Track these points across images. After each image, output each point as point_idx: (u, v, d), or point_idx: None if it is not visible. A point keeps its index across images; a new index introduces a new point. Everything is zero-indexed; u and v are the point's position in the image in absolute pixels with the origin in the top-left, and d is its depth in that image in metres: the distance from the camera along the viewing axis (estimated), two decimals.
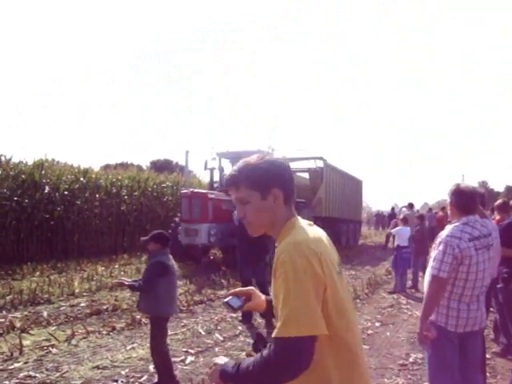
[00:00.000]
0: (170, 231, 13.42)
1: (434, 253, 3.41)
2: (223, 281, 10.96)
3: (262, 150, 14.11)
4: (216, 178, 16.42)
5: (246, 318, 7.80)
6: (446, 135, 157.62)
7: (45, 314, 7.55)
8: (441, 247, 3.35)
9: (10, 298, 8.68)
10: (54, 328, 6.83)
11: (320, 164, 20.27)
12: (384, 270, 14.47)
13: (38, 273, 11.71)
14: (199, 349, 6.25)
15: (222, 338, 6.79)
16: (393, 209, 28.62)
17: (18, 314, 7.65)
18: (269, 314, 7.01)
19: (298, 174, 21.50)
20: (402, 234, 11.06)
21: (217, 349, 6.31)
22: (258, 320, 7.88)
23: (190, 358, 5.86)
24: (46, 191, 14.80)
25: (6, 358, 5.66)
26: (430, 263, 3.43)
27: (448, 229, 3.44)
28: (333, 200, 20.67)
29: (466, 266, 3.30)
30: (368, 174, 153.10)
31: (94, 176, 17.61)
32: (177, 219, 14.47)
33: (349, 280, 12.61)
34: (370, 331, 7.45)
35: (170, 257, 4.97)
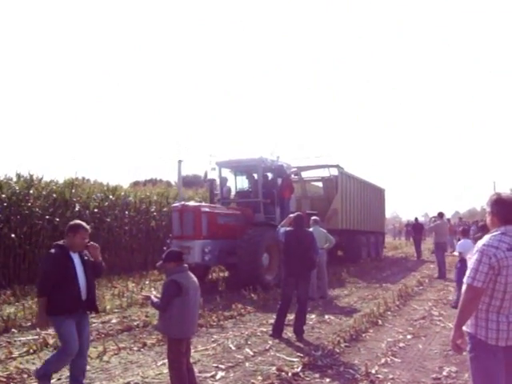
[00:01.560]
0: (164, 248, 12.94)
1: (470, 262, 3.36)
2: (253, 295, 10.92)
3: (263, 158, 13.90)
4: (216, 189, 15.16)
5: (277, 333, 7.77)
6: (477, 142, 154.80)
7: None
8: (476, 256, 3.29)
9: None
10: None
11: (334, 172, 19.21)
12: (415, 281, 14.26)
13: None
14: (229, 364, 6.24)
15: (252, 353, 6.76)
16: (416, 219, 26.81)
17: (50, 331, 7.74)
18: (299, 328, 7.06)
19: (312, 183, 21.12)
20: (464, 246, 10.37)
21: (247, 364, 6.29)
22: (289, 334, 7.85)
23: (220, 374, 5.85)
24: (76, 209, 15.02)
25: (26, 357, 5.74)
26: (467, 273, 3.36)
27: (485, 238, 3.37)
28: (350, 211, 19.42)
29: (503, 276, 3.23)
30: (398, 182, 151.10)
31: (123, 193, 17.84)
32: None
33: (379, 292, 12.47)
34: (401, 344, 7.34)
35: (188, 274, 4.82)
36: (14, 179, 14.21)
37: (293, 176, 16.51)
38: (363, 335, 7.87)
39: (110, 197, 16.75)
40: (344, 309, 10.25)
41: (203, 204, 13.83)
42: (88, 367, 6.00)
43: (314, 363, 6.30)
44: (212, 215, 12.55)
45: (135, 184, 29.20)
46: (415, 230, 25.17)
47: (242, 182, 15.41)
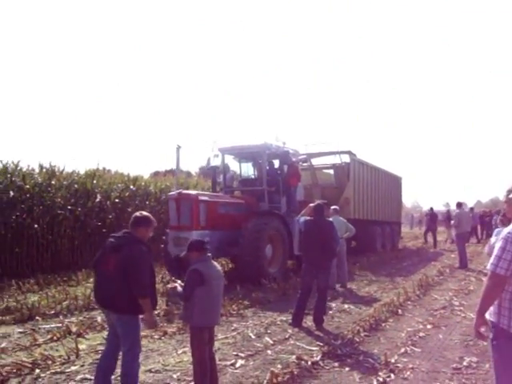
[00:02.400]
0: (162, 246, 12.57)
1: (495, 249, 3.32)
2: (273, 284, 10.96)
3: (268, 144, 13.23)
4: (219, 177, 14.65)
5: (296, 322, 7.80)
6: (500, 129, 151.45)
7: (99, 319, 7.73)
8: (500, 243, 3.26)
9: (66, 303, 8.95)
10: (107, 332, 6.98)
11: (346, 159, 18.16)
12: (436, 271, 14.17)
13: (91, 279, 12.01)
14: (249, 352, 6.29)
15: (271, 342, 6.80)
16: (431, 209, 26.44)
17: (73, 319, 7.89)
18: (319, 317, 7.04)
19: (323, 171, 19.81)
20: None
21: (267, 352, 6.33)
22: (308, 323, 7.87)
23: (240, 362, 5.91)
24: (97, 200, 15.19)
25: (64, 361, 5.85)
26: (490, 260, 3.34)
27: (511, 226, 3.34)
28: (363, 200, 18.42)
29: None
30: (419, 171, 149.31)
31: (143, 183, 17.97)
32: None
33: (399, 281, 12.43)
34: (421, 333, 7.33)
35: (210, 264, 4.86)
36: (37, 170, 14.41)
37: (301, 163, 15.95)
38: (383, 324, 7.87)
39: (131, 187, 16.90)
40: (364, 298, 10.25)
41: (202, 192, 13.38)
42: None
43: (334, 352, 6.32)
44: (211, 204, 11.75)
45: (155, 174, 29.37)
46: (431, 220, 25.10)
47: (247, 170, 14.79)
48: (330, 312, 8.72)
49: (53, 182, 14.07)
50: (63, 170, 15.16)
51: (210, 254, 4.95)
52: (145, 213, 4.87)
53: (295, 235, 12.50)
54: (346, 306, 9.38)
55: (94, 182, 15.56)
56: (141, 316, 4.55)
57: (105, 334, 6.91)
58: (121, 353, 4.57)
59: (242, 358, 6.07)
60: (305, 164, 17.56)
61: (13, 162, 13.78)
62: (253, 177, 14.44)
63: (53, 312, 8.35)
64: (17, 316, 8.03)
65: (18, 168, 13.78)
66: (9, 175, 13.19)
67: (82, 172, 15.87)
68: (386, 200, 21.26)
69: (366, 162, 19.13)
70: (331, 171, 19.35)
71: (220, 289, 4.85)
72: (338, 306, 9.30)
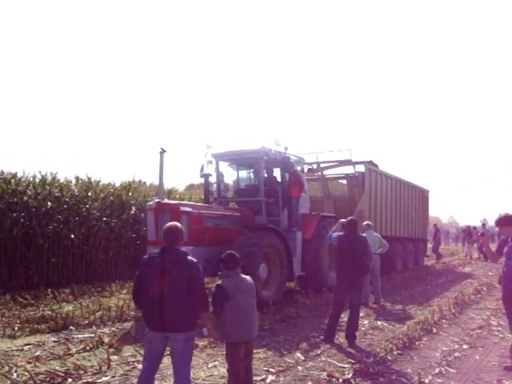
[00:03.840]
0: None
1: None
2: (306, 300, 10.86)
3: (266, 149, 11.68)
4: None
5: (328, 338, 7.71)
6: None
7: (132, 330, 7.78)
8: None
9: (100, 314, 9.06)
10: (139, 344, 7.04)
11: (361, 169, 16.37)
12: (472, 289, 13.83)
13: (125, 290, 12.15)
14: (280, 368, 6.22)
15: (303, 358, 6.73)
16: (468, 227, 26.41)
17: (106, 330, 7.98)
18: (352, 334, 6.95)
19: (336, 181, 18.34)
20: None
21: (298, 368, 6.26)
22: (340, 340, 7.77)
23: (270, 377, 5.85)
24: (132, 211, 15.41)
25: (96, 371, 5.90)
26: None
27: None
28: (381, 213, 16.56)
29: None
30: (455, 187, 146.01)
31: (178, 196, 18.14)
32: None
33: (434, 299, 12.17)
34: (457, 354, 7.13)
35: (237, 278, 4.86)
36: (74, 182, 14.72)
37: (307, 172, 14.29)
38: (417, 343, 7.69)
39: (166, 200, 17.04)
40: (397, 315, 10.05)
41: (184, 202, 11.88)
42: (141, 366, 6.15)
43: (366, 370, 6.20)
44: (196, 216, 10.21)
45: (190, 187, 29.63)
46: (466, 236, 25.21)
47: (243, 178, 13.18)
48: (363, 329, 8.58)
49: (89, 194, 14.35)
50: (99, 181, 15.45)
51: (238, 270, 4.94)
52: (175, 223, 4.71)
53: (296, 253, 11.76)
54: (378, 322, 9.22)
55: (130, 194, 15.80)
56: None
57: (137, 345, 6.97)
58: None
59: (272, 373, 6.01)
60: (316, 174, 16.75)
61: (51, 173, 14.13)
62: (249, 186, 12.87)
63: (86, 322, 8.47)
64: (51, 325, 8.18)
65: (56, 179, 14.10)
66: (47, 186, 13.51)
67: (118, 184, 16.15)
68: (408, 214, 19.58)
69: (385, 172, 17.40)
70: (344, 181, 17.76)
71: (248, 303, 4.82)
72: (370, 323, 9.16)
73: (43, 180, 13.80)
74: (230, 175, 13.28)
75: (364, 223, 11.62)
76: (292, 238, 11.73)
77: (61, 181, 14.27)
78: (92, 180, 15.20)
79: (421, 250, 21.83)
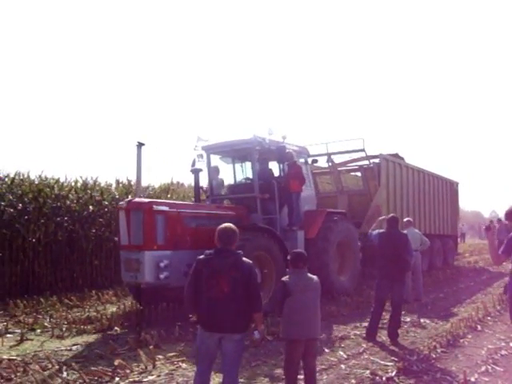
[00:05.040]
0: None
1: None
2: (347, 298, 10.82)
3: (258, 138, 10.53)
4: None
5: (370, 336, 7.68)
6: None
7: (176, 330, 7.88)
8: None
9: (143, 314, 9.22)
10: (183, 344, 7.15)
11: (375, 160, 14.79)
12: None
13: None
14: (323, 366, 6.22)
15: (345, 356, 6.72)
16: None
17: (150, 330, 8.11)
18: (394, 332, 6.87)
19: (350, 174, 16.58)
20: None
21: (341, 366, 6.26)
22: (383, 337, 7.72)
23: None
24: None
25: (141, 370, 6.02)
26: None
27: None
28: (401, 208, 14.99)
29: None
30: (476, 176, 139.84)
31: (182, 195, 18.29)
32: None
33: (478, 296, 11.96)
34: (503, 351, 7.00)
35: (299, 276, 4.91)
36: (114, 185, 15.02)
37: (308, 164, 12.57)
38: (461, 341, 7.58)
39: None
40: (440, 312, 9.92)
41: (160, 200, 10.44)
42: (185, 366, 6.27)
43: (409, 368, 6.15)
44: (173, 216, 9.06)
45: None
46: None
47: (236, 172, 12.01)
48: (405, 326, 8.51)
49: (129, 197, 14.59)
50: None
51: (304, 268, 5.01)
52: (230, 224, 4.65)
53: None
54: (421, 320, 9.11)
55: (168, 195, 16.02)
56: None
57: (180, 346, 7.08)
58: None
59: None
60: (328, 165, 15.27)
61: (92, 178, 14.47)
62: (243, 181, 11.78)
63: (130, 323, 8.61)
64: (97, 326, 8.38)
65: (97, 183, 14.43)
66: (88, 191, 13.83)
67: (157, 186, 16.41)
68: (434, 209, 17.93)
69: (404, 163, 16.00)
70: (359, 174, 16.06)
71: (308, 301, 4.85)
72: (412, 321, 9.06)
73: (85, 184, 14.15)
74: (224, 170, 12.04)
75: (404, 219, 11.48)
76: (292, 237, 10.70)
77: (101, 185, 14.59)
78: (132, 183, 15.47)
79: (450, 248, 19.98)
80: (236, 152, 11.38)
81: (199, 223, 9.51)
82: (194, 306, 4.45)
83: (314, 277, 5.04)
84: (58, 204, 12.84)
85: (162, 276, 8.49)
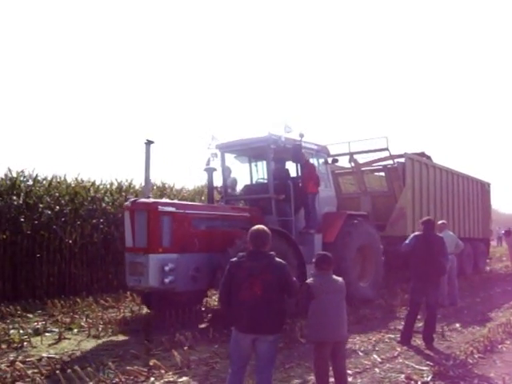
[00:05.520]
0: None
1: None
2: (381, 301, 10.72)
3: (274, 136, 10.00)
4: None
5: (405, 340, 7.59)
6: None
7: (210, 332, 7.93)
8: None
9: (176, 316, 9.31)
10: (217, 345, 7.19)
11: (400, 159, 14.10)
12: None
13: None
14: (357, 370, 6.19)
15: (379, 360, 6.66)
16: None
17: (184, 331, 8.18)
18: (429, 336, 6.79)
19: (374, 174, 15.78)
20: None
21: (375, 370, 6.21)
22: (418, 341, 7.63)
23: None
24: None
25: (176, 371, 6.08)
26: None
27: None
28: (427, 211, 14.03)
29: None
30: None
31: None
32: None
33: None
34: None
35: (323, 278, 4.90)
36: None
37: (331, 164, 12.07)
38: (499, 347, 7.41)
39: None
40: (476, 317, 9.73)
41: (166, 201, 10.03)
42: (219, 367, 6.30)
43: (446, 373, 6.05)
44: (181, 217, 8.67)
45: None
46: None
47: (251, 172, 11.61)
48: (440, 331, 8.36)
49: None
50: (173, 186, 15.90)
51: (329, 270, 5.00)
52: (262, 226, 4.68)
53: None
54: (457, 324, 8.97)
55: (202, 198, 16.15)
56: None
57: (214, 347, 7.12)
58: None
59: (349, 375, 5.95)
60: (351, 165, 14.65)
61: (126, 180, 14.69)
62: (262, 181, 11.28)
63: (165, 323, 8.70)
64: (132, 326, 8.50)
65: (131, 186, 14.63)
66: (123, 193, 14.03)
67: (191, 188, 16.58)
68: (463, 211, 17.02)
69: (431, 163, 15.22)
70: (382, 175, 15.24)
71: (333, 303, 4.84)
72: (448, 325, 8.90)
73: (119, 187, 14.36)
74: (239, 169, 11.67)
75: (439, 222, 11.31)
76: (308, 241, 10.19)
77: (136, 187, 14.77)
78: (166, 185, 15.68)
79: (481, 252, 18.85)
80: (251, 151, 10.99)
81: (209, 225, 9.24)
82: (228, 307, 4.48)
83: (339, 279, 5.03)
84: (94, 206, 13.07)
85: (166, 280, 8.19)
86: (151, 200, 8.81)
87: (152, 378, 5.82)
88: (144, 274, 8.18)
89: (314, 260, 5.13)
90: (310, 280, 4.93)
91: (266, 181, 10.78)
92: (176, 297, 9.20)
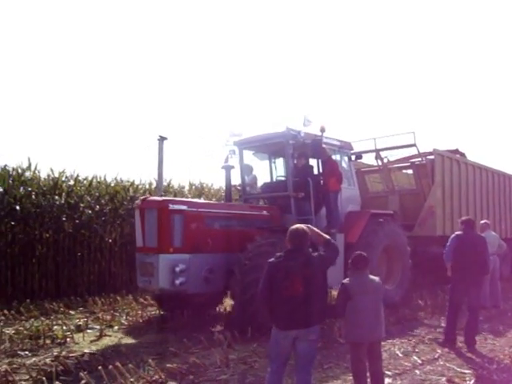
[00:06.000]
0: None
1: None
2: (420, 301, 10.56)
3: (292, 130, 9.52)
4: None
5: (447, 342, 7.44)
6: None
7: (249, 331, 7.95)
8: None
9: (216, 315, 9.38)
10: (255, 345, 7.20)
11: (430, 156, 13.22)
12: None
13: None
14: (396, 371, 6.13)
15: (420, 361, 6.57)
16: None
17: (225, 331, 8.21)
18: (471, 338, 6.62)
19: (402, 171, 14.77)
20: None
21: (415, 372, 6.12)
22: (459, 344, 7.49)
23: (387, 380, 5.75)
24: None
25: (215, 369, 6.13)
26: None
27: None
28: (459, 210, 13.27)
29: None
30: None
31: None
32: None
33: None
34: None
35: (360, 278, 4.90)
36: (187, 188, 15.37)
37: (356, 160, 11.59)
38: None
39: None
40: None
41: (178, 199, 9.95)
42: (258, 366, 6.32)
43: (489, 377, 5.92)
44: (193, 216, 8.37)
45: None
46: None
47: (271, 169, 11.21)
48: (483, 333, 8.19)
49: (201, 199, 14.92)
50: (211, 186, 16.02)
51: (365, 270, 5.01)
52: (301, 225, 4.65)
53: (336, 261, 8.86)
54: (500, 327, 8.76)
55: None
56: None
57: (253, 346, 7.13)
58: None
59: (389, 376, 5.92)
60: (378, 162, 13.80)
61: (165, 180, 14.86)
62: (281, 178, 10.85)
63: (201, 322, 8.75)
64: (171, 324, 8.60)
65: (170, 186, 14.81)
66: (162, 193, 14.18)
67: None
68: (500, 211, 15.85)
69: (463, 159, 14.22)
70: (410, 172, 14.41)
71: (372, 305, 4.82)
72: (491, 327, 8.72)
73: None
74: (259, 167, 11.22)
75: (481, 222, 11.04)
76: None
77: (175, 187, 14.94)
78: (204, 185, 15.82)
79: None
80: (269, 147, 10.49)
81: (223, 224, 8.93)
82: (269, 309, 4.47)
83: (376, 278, 5.01)
84: (133, 206, 13.21)
85: (177, 282, 7.87)
86: (161, 198, 8.59)
87: (191, 376, 5.88)
88: (154, 274, 7.94)
89: (350, 260, 5.10)
90: (346, 280, 4.91)
91: (285, 178, 10.38)
92: (191, 298, 9.03)
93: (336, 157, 10.51)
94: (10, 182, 11.73)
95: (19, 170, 12.18)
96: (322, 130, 9.50)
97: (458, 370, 6.24)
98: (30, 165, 12.39)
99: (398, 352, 7.00)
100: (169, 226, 8.03)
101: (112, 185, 13.78)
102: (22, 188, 11.81)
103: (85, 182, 13.30)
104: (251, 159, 11.03)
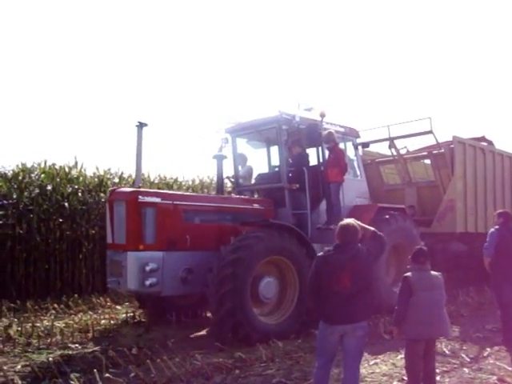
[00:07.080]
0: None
1: None
2: (467, 298, 10.36)
3: (285, 115, 8.57)
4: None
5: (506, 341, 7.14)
6: None
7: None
8: None
9: None
10: (300, 341, 7.20)
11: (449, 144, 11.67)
12: None
13: None
14: (444, 369, 6.01)
15: (468, 359, 6.43)
16: None
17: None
18: None
19: (419, 162, 13.38)
20: None
21: (464, 370, 6.00)
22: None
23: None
24: None
25: (261, 364, 6.18)
26: None
27: None
28: (484, 203, 11.87)
29: None
30: None
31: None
32: None
33: None
34: None
35: (421, 273, 4.83)
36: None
37: (354, 148, 10.29)
38: None
39: None
40: None
41: (151, 190, 8.97)
42: (303, 361, 6.32)
43: None
44: (168, 209, 7.52)
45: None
46: None
47: (266, 159, 10.17)
48: None
49: (232, 195, 15.15)
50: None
51: (426, 265, 4.93)
52: (351, 221, 4.60)
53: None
54: None
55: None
56: None
57: (298, 342, 7.14)
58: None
59: (436, 374, 5.81)
60: (393, 152, 12.31)
61: (208, 177, 15.06)
62: (272, 169, 10.00)
63: None
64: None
65: (213, 182, 15.01)
66: (205, 189, 14.44)
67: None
68: None
69: (489, 148, 12.63)
70: (428, 162, 12.73)
71: (433, 301, 4.75)
72: None
73: (201, 183, 14.75)
74: (254, 156, 10.27)
75: None
76: (330, 239, 8.12)
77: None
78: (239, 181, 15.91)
79: None
80: (263, 134, 9.39)
81: (205, 219, 8.09)
82: (317, 303, 4.49)
83: (438, 274, 4.92)
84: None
85: (147, 282, 7.03)
86: (131, 189, 7.79)
87: (237, 371, 5.93)
88: (123, 274, 7.18)
89: (412, 253, 5.02)
90: (408, 274, 4.84)
91: (277, 168, 9.45)
92: (178, 300, 8.55)
93: (340, 145, 9.42)
94: (58, 180, 12.07)
95: (66, 169, 12.52)
96: (322, 116, 8.71)
97: (510, 369, 6.06)
98: (76, 163, 12.75)
99: (445, 349, 6.85)
100: (139, 221, 7.23)
101: (155, 182, 14.01)
102: (69, 186, 12.14)
103: (129, 179, 13.54)
104: (246, 148, 10.13)
